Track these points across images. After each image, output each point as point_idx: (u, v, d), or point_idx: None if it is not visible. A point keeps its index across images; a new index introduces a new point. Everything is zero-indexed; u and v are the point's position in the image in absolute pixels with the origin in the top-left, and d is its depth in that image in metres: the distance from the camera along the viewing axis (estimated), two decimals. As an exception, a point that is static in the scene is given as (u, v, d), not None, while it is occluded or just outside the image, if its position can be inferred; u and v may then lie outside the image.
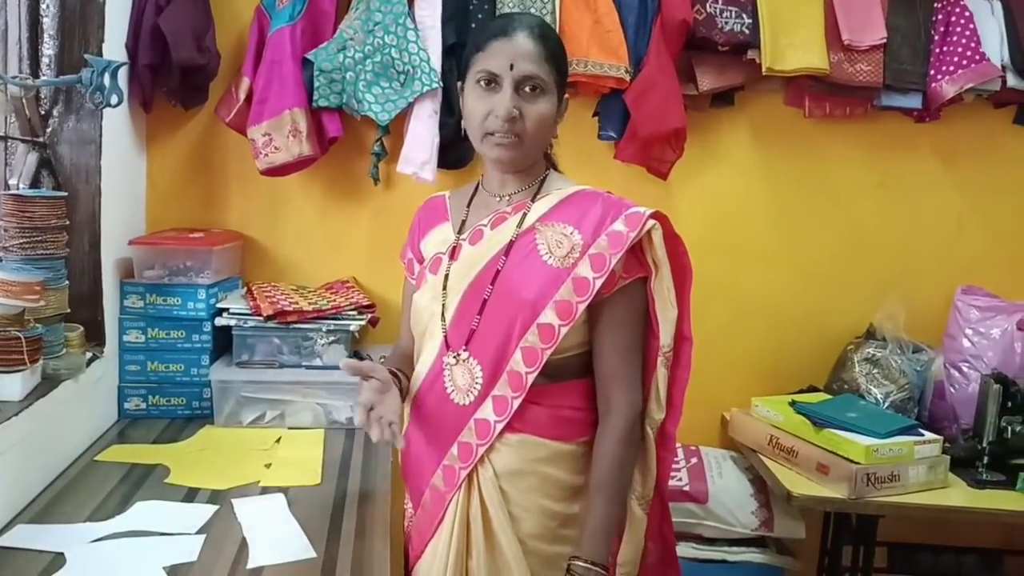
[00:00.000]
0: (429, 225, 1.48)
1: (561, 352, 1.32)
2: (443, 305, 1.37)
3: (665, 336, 1.34)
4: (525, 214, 1.36)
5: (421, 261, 1.47)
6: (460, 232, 1.42)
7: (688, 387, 1.40)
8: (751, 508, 2.15)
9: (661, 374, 1.36)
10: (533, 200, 1.37)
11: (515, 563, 1.31)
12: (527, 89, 1.30)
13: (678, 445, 2.28)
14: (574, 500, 1.36)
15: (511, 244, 1.34)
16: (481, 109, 1.31)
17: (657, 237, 1.31)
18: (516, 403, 1.31)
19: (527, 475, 1.33)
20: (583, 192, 1.38)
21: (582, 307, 1.29)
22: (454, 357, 1.35)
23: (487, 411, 1.32)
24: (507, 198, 1.40)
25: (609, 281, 1.30)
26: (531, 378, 1.30)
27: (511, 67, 1.29)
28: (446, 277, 1.38)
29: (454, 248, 1.40)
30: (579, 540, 1.30)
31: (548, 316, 1.29)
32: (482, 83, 1.31)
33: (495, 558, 1.33)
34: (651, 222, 1.30)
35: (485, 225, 1.39)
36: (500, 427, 1.32)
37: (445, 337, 1.36)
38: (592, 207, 1.34)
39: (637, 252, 1.32)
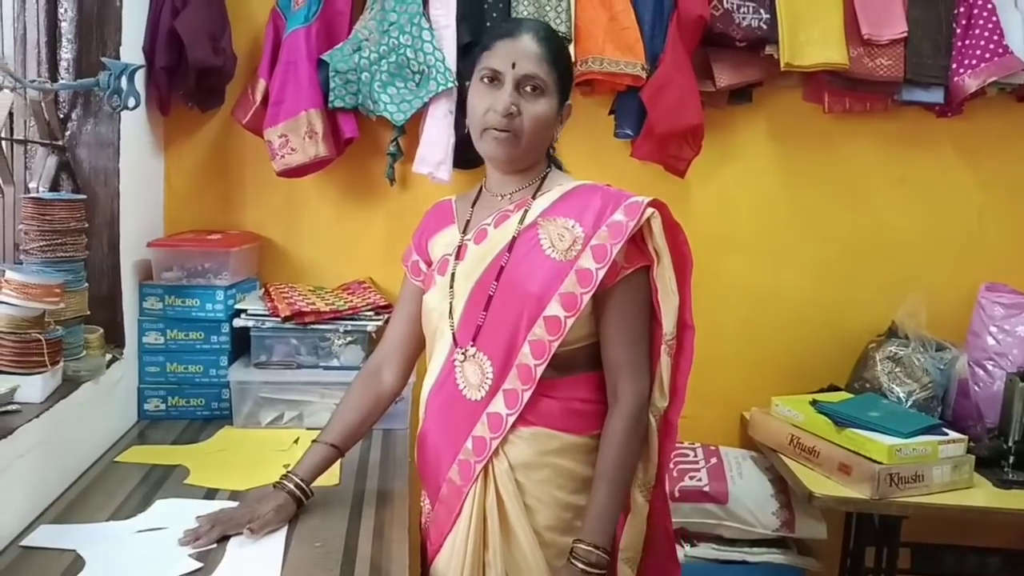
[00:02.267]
0: (436, 228, 1.51)
1: (568, 344, 1.34)
2: (451, 304, 1.40)
3: (668, 324, 1.37)
4: (527, 210, 1.39)
5: (429, 263, 1.50)
6: (465, 232, 1.45)
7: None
8: (772, 508, 2.13)
9: (664, 362, 1.38)
10: (534, 197, 1.40)
11: (531, 554, 1.34)
12: (527, 88, 1.34)
13: (697, 445, 2.27)
14: (587, 492, 1.37)
15: (514, 240, 1.37)
16: (482, 105, 1.35)
17: (657, 226, 1.34)
18: (526, 395, 1.34)
19: (541, 467, 1.36)
20: (583, 186, 1.41)
21: (586, 298, 1.32)
22: (463, 353, 1.38)
23: (498, 405, 1.35)
24: (508, 196, 1.43)
25: (611, 271, 1.32)
26: (540, 370, 1.33)
27: (513, 66, 1.33)
28: (452, 276, 1.41)
29: (459, 248, 1.43)
30: (582, 524, 1.33)
31: (554, 308, 1.32)
32: (485, 80, 1.36)
33: (511, 549, 1.35)
34: (650, 210, 1.33)
35: (489, 224, 1.42)
36: (512, 420, 1.34)
37: (454, 335, 1.39)
38: (592, 199, 1.37)
39: (638, 241, 1.35)
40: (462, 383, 1.38)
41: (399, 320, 1.54)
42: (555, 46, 1.38)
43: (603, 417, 1.38)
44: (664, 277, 1.36)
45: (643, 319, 1.38)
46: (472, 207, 1.48)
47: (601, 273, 1.31)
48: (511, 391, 1.34)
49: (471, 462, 1.36)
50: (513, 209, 1.41)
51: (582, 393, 1.39)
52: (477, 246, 1.41)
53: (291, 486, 1.40)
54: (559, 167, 1.48)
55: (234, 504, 1.44)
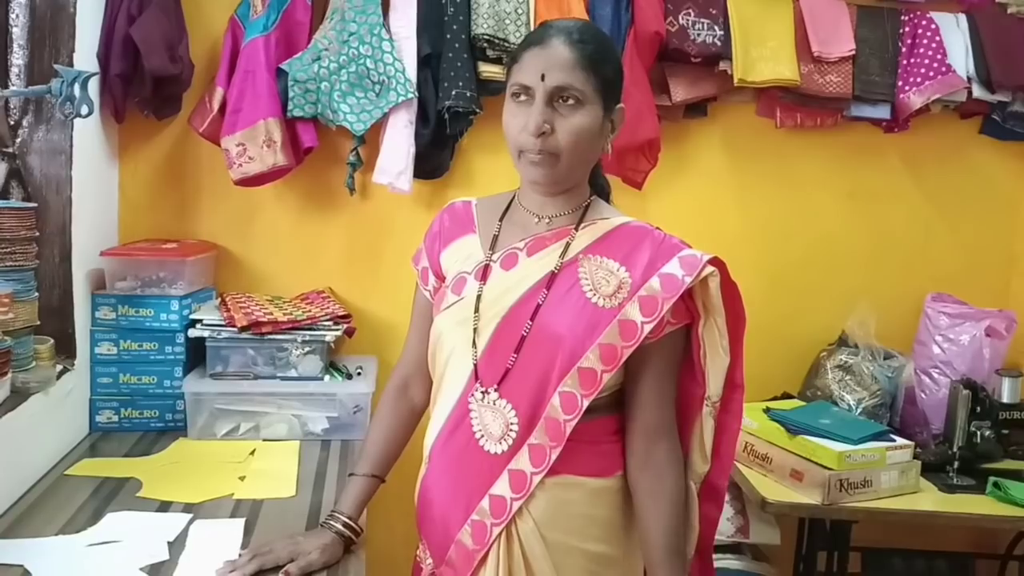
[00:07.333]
0: (452, 235, 1.36)
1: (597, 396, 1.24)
2: (474, 330, 1.25)
3: (714, 385, 1.27)
4: (568, 243, 1.26)
5: (439, 275, 1.36)
6: (492, 250, 1.30)
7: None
8: (727, 515, 2.16)
9: (708, 424, 1.28)
10: (577, 228, 1.28)
11: None
12: (561, 101, 1.20)
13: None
14: (614, 539, 1.28)
15: (553, 276, 1.24)
16: (515, 125, 1.22)
17: (714, 284, 1.23)
18: (555, 454, 1.21)
19: (568, 518, 1.24)
20: (630, 225, 1.28)
21: (628, 352, 1.20)
22: (482, 393, 1.24)
23: (523, 461, 1.22)
24: (547, 221, 1.29)
25: (657, 327, 1.21)
26: (570, 427, 1.21)
27: (543, 77, 1.19)
28: (478, 298, 1.26)
29: (484, 268, 1.29)
30: None
31: (590, 360, 1.20)
32: (516, 96, 1.23)
33: None
34: (709, 268, 1.22)
35: (520, 249, 1.28)
36: (538, 479, 1.22)
37: (475, 368, 1.25)
38: (641, 244, 1.25)
39: (684, 297, 1.22)
40: (479, 431, 1.24)
41: (419, 331, 1.39)
42: (592, 48, 1.21)
43: (623, 456, 1.28)
44: (714, 336, 1.25)
45: (676, 379, 1.29)
46: (500, 220, 1.32)
47: (648, 328, 1.19)
48: (538, 447, 1.21)
49: (487, 524, 1.23)
50: (551, 238, 1.27)
51: (605, 436, 1.27)
52: (505, 272, 1.27)
53: (338, 525, 1.31)
54: (606, 195, 1.36)
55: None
